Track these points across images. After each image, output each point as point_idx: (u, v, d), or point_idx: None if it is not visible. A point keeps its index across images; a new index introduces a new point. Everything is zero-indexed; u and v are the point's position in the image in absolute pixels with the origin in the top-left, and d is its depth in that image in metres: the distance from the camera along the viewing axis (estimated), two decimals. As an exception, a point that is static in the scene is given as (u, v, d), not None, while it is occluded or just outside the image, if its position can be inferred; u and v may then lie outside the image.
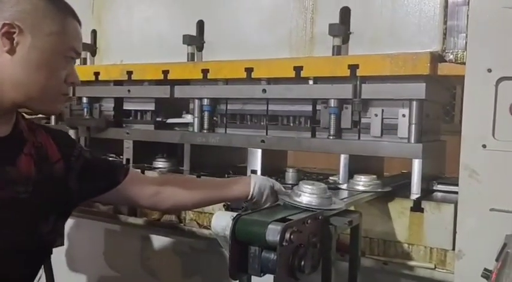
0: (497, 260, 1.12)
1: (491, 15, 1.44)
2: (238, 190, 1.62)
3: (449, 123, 3.74)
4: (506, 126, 1.44)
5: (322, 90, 2.01)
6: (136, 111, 2.62)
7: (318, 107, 2.08)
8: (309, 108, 2.10)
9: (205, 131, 2.33)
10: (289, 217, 1.27)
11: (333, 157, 2.06)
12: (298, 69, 1.99)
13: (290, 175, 2.09)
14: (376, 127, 1.94)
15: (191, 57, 2.35)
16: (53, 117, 2.87)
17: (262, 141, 2.15)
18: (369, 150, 1.94)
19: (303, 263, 1.21)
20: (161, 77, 2.35)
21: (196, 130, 2.35)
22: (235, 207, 1.96)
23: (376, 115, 1.94)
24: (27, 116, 3.23)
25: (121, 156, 2.64)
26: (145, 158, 2.54)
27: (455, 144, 1.63)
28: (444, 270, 1.67)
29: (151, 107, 2.54)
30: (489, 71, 1.44)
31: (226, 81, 2.26)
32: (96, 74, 2.57)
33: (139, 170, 2.14)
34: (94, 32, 2.72)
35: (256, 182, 1.61)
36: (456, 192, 1.59)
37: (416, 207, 1.72)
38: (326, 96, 2.01)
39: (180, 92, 2.39)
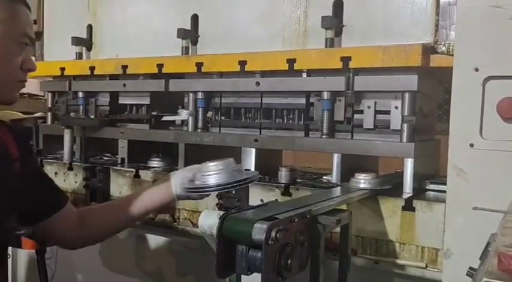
0: (481, 258, 1.15)
1: (479, 14, 1.46)
2: (160, 195, 1.59)
3: (447, 123, 3.72)
4: (493, 125, 1.45)
5: (315, 83, 2.03)
6: (131, 105, 2.63)
7: (312, 99, 2.09)
8: (303, 101, 2.11)
9: (199, 131, 2.36)
10: (276, 216, 1.28)
11: (329, 155, 2.08)
12: (291, 61, 2.01)
13: (283, 174, 2.11)
14: (369, 119, 1.96)
15: (185, 51, 2.37)
16: (49, 117, 2.90)
17: (256, 140, 2.18)
18: (361, 149, 1.96)
19: (289, 261, 1.22)
20: (156, 70, 2.37)
21: (190, 129, 2.38)
22: (229, 206, 1.99)
23: (369, 107, 1.96)
24: (24, 116, 3.28)
25: (116, 156, 2.68)
26: (141, 158, 2.57)
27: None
28: (435, 269, 1.68)
29: (146, 101, 2.56)
30: (476, 70, 1.45)
31: (221, 75, 2.28)
32: (92, 68, 2.60)
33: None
34: (90, 27, 2.75)
35: (176, 178, 1.59)
36: (446, 191, 1.60)
37: (408, 207, 1.74)
38: (319, 89, 2.03)
39: (174, 85, 2.41)
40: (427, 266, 1.71)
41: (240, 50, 2.20)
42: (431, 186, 1.98)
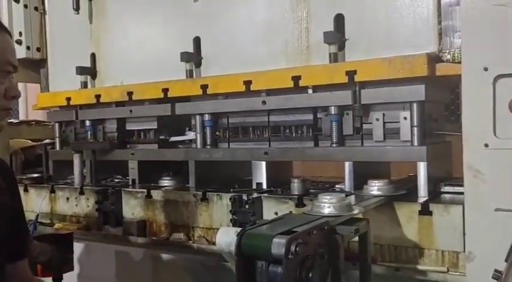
0: (506, 260, 1.12)
1: (483, 14, 1.45)
2: None
3: (456, 123, 3.70)
4: (506, 123, 1.43)
5: (322, 98, 2.03)
6: (139, 130, 2.64)
7: (319, 115, 2.09)
8: (310, 117, 2.11)
9: (208, 147, 2.35)
10: (294, 229, 1.27)
11: (341, 164, 2.06)
12: (296, 78, 2.01)
13: (296, 186, 2.09)
14: (378, 131, 1.95)
15: (190, 74, 2.38)
16: (57, 143, 2.91)
17: (266, 153, 2.17)
18: (372, 155, 1.94)
19: (310, 275, 1.21)
20: (161, 95, 2.38)
21: (199, 146, 2.37)
22: (243, 222, 1.97)
23: (377, 119, 1.95)
24: (34, 143, 3.28)
25: (127, 177, 2.67)
26: (151, 178, 2.56)
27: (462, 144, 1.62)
28: (457, 273, 1.65)
29: (153, 125, 2.57)
30: (485, 69, 1.44)
31: (226, 95, 2.29)
32: (98, 96, 2.62)
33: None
34: (93, 55, 2.77)
35: None
36: (463, 193, 1.58)
37: (425, 211, 1.72)
38: (326, 104, 2.02)
39: (181, 109, 2.42)
40: (448, 270, 1.68)
41: (243, 69, 2.20)
42: (446, 189, 1.95)
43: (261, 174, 2.20)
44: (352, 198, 1.81)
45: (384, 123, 1.94)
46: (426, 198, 1.82)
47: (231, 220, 2.05)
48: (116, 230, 2.40)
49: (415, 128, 1.86)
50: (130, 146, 2.66)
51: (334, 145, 2.01)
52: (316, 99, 2.05)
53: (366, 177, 1.90)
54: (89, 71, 2.76)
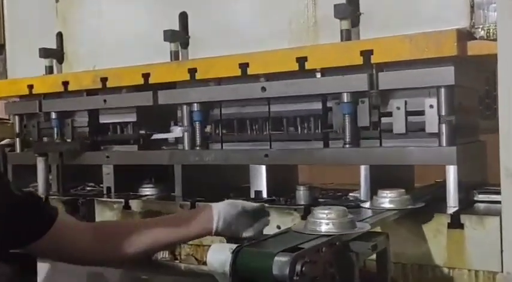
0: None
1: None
2: (197, 226, 1.62)
3: (492, 119, 3.69)
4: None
5: (332, 83, 2.02)
6: (115, 124, 2.64)
7: (329, 103, 2.08)
8: (319, 106, 2.10)
9: (198, 148, 2.35)
10: (300, 245, 1.27)
11: (356, 168, 2.06)
12: (301, 60, 2.01)
13: (302, 194, 2.09)
14: (399, 123, 1.95)
15: (175, 55, 2.37)
16: (17, 144, 2.90)
17: (266, 155, 2.17)
18: (393, 158, 1.95)
19: (319, 299, 1.21)
20: (141, 81, 2.37)
21: (187, 147, 2.37)
22: (238, 237, 1.97)
23: (398, 108, 1.95)
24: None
25: (101, 185, 2.67)
26: (130, 185, 2.56)
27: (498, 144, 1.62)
28: (494, 297, 1.66)
29: (132, 117, 2.56)
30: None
31: (219, 81, 2.28)
32: (65, 83, 2.61)
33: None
34: (59, 35, 2.77)
35: (219, 211, 1.61)
36: (500, 202, 1.58)
37: (455, 223, 1.72)
38: (337, 90, 2.01)
39: (164, 97, 2.41)
40: (483, 294, 1.68)
41: (239, 50, 2.19)
42: (481, 197, 1.96)
43: (260, 181, 2.21)
44: (362, 211, 1.80)
45: (406, 112, 1.94)
46: (457, 208, 1.82)
47: (224, 235, 2.05)
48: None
49: (444, 126, 1.86)
50: (104, 147, 2.66)
51: (347, 146, 2.02)
52: (325, 85, 2.05)
53: (385, 184, 1.90)
54: (55, 54, 2.76)
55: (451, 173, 1.86)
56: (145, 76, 2.36)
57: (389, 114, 1.98)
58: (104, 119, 2.66)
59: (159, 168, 2.54)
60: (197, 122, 2.35)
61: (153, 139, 2.51)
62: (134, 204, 2.35)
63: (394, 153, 1.95)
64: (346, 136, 2.02)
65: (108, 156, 2.59)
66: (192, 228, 1.63)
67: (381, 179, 1.99)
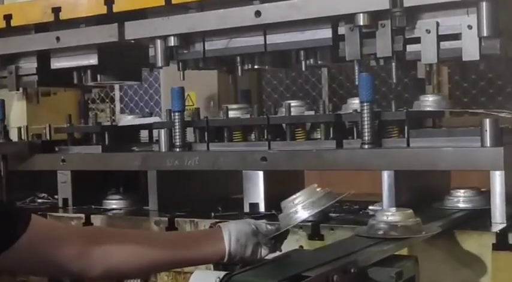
0: None
1: None
2: (209, 250, 1.61)
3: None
4: None
5: (344, 2, 2.00)
6: (70, 70, 2.62)
7: (340, 29, 2.08)
8: (328, 34, 2.09)
9: (177, 150, 2.35)
10: (305, 273, 1.27)
11: (377, 174, 2.07)
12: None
13: (308, 207, 2.10)
14: (429, 51, 1.94)
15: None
16: None
17: (264, 158, 2.16)
18: (423, 162, 1.96)
19: None
20: (104, 11, 2.34)
21: (164, 149, 2.37)
22: (227, 263, 1.97)
23: (428, 31, 1.94)
24: None
25: (55, 196, 2.67)
26: (92, 197, 2.56)
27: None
28: None
29: (92, 60, 2.54)
30: None
31: (201, 7, 2.25)
32: (7, 17, 2.55)
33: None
34: None
35: (230, 232, 1.61)
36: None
37: (502, 244, 1.72)
38: (351, 11, 1.99)
39: (133, 30, 2.37)
40: (537, 332, 1.69)
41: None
42: (535, 211, 1.96)
43: (256, 191, 2.22)
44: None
45: (438, 37, 1.93)
46: (504, 225, 1.82)
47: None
48: (37, 279, 2.39)
49: (488, 121, 1.86)
50: (59, 148, 2.66)
51: (366, 146, 2.01)
52: (335, 4, 2.02)
53: (415, 193, 1.92)
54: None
55: (497, 181, 1.86)
56: (109, 3, 2.32)
57: (417, 40, 1.97)
58: (56, 63, 2.62)
59: (129, 175, 2.55)
60: (177, 114, 2.34)
61: (121, 134, 2.50)
62: (97, 221, 2.35)
63: (425, 156, 1.96)
64: (365, 134, 2.01)
65: (64, 160, 2.58)
66: (202, 250, 1.62)
67: (407, 187, 2.01)
